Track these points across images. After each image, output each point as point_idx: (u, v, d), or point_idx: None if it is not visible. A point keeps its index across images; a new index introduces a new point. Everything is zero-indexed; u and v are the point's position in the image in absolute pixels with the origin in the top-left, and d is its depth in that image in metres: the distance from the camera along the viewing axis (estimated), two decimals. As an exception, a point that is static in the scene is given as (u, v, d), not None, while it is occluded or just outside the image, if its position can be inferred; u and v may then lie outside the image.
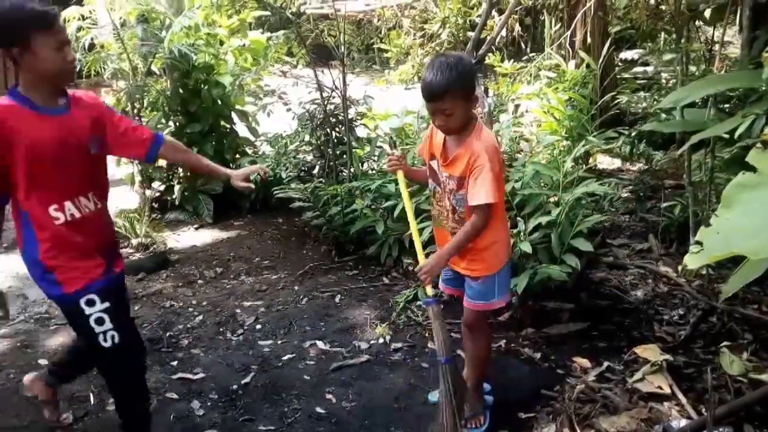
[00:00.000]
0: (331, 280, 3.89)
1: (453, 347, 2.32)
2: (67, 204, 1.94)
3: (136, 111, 4.79)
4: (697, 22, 3.87)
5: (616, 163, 5.75)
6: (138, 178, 4.75)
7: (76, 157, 1.95)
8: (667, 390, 2.51)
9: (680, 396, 2.47)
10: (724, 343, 2.82)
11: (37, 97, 1.86)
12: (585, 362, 2.81)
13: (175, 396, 2.70)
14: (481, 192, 2.10)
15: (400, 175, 2.35)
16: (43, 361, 2.98)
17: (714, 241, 1.25)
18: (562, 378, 2.70)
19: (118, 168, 5.16)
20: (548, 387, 2.64)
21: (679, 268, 3.63)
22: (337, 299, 3.62)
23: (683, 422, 2.28)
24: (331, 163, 4.47)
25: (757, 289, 3.34)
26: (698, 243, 1.28)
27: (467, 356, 2.52)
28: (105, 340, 2.00)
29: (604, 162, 5.73)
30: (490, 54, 6.31)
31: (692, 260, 1.24)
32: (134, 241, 4.16)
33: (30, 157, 1.83)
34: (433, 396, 2.58)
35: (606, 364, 2.75)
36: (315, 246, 4.45)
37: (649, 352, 2.76)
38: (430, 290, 2.23)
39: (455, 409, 2.19)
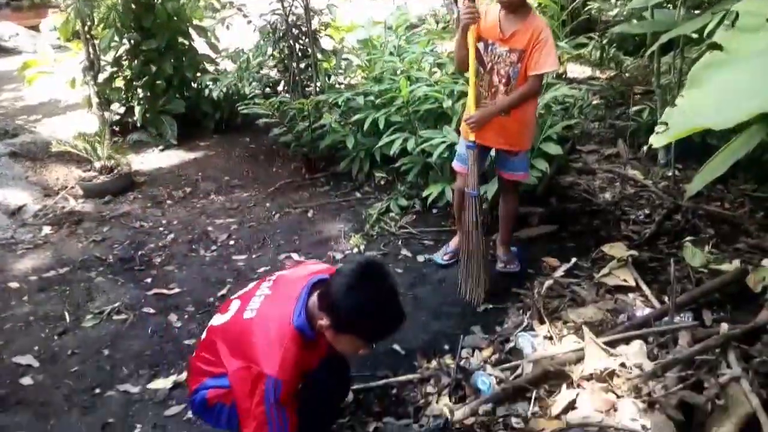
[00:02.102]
0: (303, 197, 3.87)
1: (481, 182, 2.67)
2: None
3: (86, 29, 4.51)
4: None
5: (587, 72, 5.69)
6: (95, 100, 4.54)
7: None
8: (632, 283, 2.61)
9: (644, 288, 2.57)
10: (688, 238, 2.92)
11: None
12: (554, 261, 2.88)
13: (152, 310, 2.72)
14: (549, 60, 2.41)
15: (471, 30, 2.44)
16: (14, 284, 2.95)
17: (678, 119, 1.26)
18: (533, 277, 2.78)
19: (73, 90, 4.94)
20: (519, 285, 2.73)
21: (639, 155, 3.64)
22: (309, 214, 3.62)
23: (647, 311, 2.39)
24: (296, 78, 4.33)
25: (721, 187, 3.43)
26: (663, 123, 1.28)
27: (502, 219, 2.92)
28: None
29: (575, 71, 5.66)
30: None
31: (657, 139, 1.25)
32: (97, 164, 4.04)
33: None
34: (438, 257, 3.01)
35: (574, 260, 2.82)
36: (284, 163, 4.39)
37: (616, 249, 2.84)
38: (472, 136, 2.56)
39: (481, 231, 2.60)
